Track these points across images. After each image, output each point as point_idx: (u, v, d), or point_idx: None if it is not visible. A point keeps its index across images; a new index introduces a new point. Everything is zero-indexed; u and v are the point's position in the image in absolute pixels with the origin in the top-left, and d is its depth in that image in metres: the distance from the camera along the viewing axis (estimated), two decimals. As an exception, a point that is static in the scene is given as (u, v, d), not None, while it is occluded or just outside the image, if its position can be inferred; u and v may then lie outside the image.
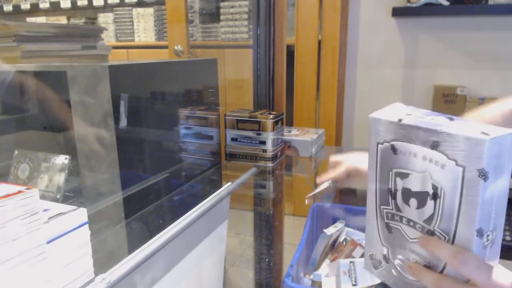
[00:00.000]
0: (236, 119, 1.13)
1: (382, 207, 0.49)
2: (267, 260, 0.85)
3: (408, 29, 2.06)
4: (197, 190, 1.02)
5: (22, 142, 1.06)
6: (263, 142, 1.12)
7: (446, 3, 1.87)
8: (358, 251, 0.77)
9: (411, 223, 0.46)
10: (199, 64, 1.08)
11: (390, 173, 0.47)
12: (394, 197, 0.47)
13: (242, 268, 0.91)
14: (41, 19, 3.06)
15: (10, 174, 0.89)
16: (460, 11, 1.88)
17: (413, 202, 0.44)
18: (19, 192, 0.38)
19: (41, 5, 3.02)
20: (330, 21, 2.06)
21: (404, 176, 0.45)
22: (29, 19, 3.13)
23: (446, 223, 0.41)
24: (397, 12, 1.97)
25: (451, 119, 0.42)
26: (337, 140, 2.23)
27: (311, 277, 0.72)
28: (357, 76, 2.21)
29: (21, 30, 0.88)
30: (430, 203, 0.43)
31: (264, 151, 1.12)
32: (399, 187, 0.46)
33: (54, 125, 1.07)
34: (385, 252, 0.51)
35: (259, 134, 1.11)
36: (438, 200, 0.42)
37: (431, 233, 0.43)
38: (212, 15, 2.41)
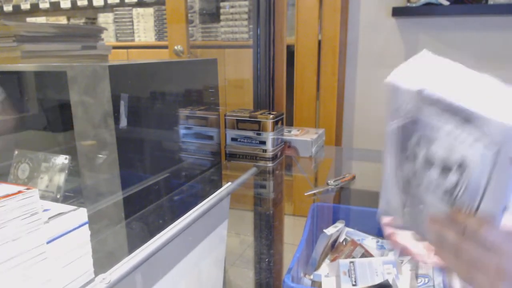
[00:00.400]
0: (236, 119, 1.13)
1: (400, 170, 0.46)
2: (267, 260, 0.85)
3: (408, 29, 2.06)
4: (197, 190, 1.02)
5: (22, 142, 1.06)
6: (263, 142, 1.12)
7: (446, 3, 1.87)
8: (358, 251, 0.77)
9: (431, 189, 0.43)
10: (199, 64, 1.08)
11: (411, 141, 0.43)
12: (414, 162, 0.44)
13: (242, 268, 0.91)
14: (41, 19, 3.06)
15: (10, 174, 0.89)
16: (460, 11, 1.88)
17: (435, 171, 0.42)
18: (19, 192, 0.38)
19: (41, 5, 3.02)
20: (330, 21, 2.06)
21: (426, 146, 0.42)
22: (29, 19, 3.13)
23: (469, 196, 0.39)
24: (397, 12, 1.97)
25: (496, 87, 0.36)
26: (337, 140, 2.23)
27: (311, 277, 0.72)
28: (357, 76, 2.21)
29: (21, 30, 0.88)
30: (453, 174, 0.40)
31: (264, 151, 1.12)
32: (420, 155, 0.43)
33: (54, 125, 1.07)
34: (401, 203, 0.49)
35: (259, 134, 1.11)
36: (463, 174, 0.39)
37: (452, 202, 0.41)
38: (212, 15, 2.41)
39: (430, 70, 0.41)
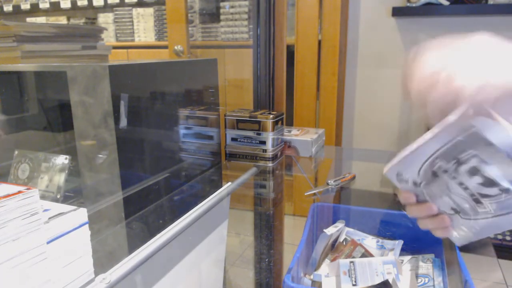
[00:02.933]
0: (236, 119, 1.13)
1: (438, 160, 0.48)
2: (267, 260, 0.85)
3: (408, 29, 2.06)
4: (197, 190, 1.02)
5: (22, 142, 1.06)
6: (263, 142, 1.12)
7: (446, 3, 1.87)
8: (358, 251, 0.77)
9: (462, 185, 0.47)
10: (199, 64, 1.08)
11: (468, 150, 0.45)
12: (458, 163, 0.46)
13: (242, 268, 0.91)
14: (41, 19, 3.06)
15: (10, 174, 0.89)
16: (460, 11, 1.88)
17: (477, 179, 0.45)
18: (19, 192, 0.38)
19: (41, 5, 3.02)
20: (330, 21, 2.06)
21: (483, 162, 0.44)
22: (29, 19, 3.12)
23: (501, 207, 0.44)
24: (397, 12, 1.97)
25: None
26: (337, 140, 2.23)
27: (311, 277, 0.72)
28: (357, 76, 2.21)
29: (21, 30, 0.88)
30: (496, 190, 0.44)
31: (264, 151, 1.12)
32: (470, 163, 0.45)
33: (54, 125, 1.07)
34: (418, 180, 0.51)
35: (259, 134, 1.11)
36: (507, 193, 0.43)
37: (478, 201, 0.46)
38: (212, 15, 2.41)
39: None
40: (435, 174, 0.50)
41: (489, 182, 0.45)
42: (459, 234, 0.51)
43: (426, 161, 0.49)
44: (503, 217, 0.45)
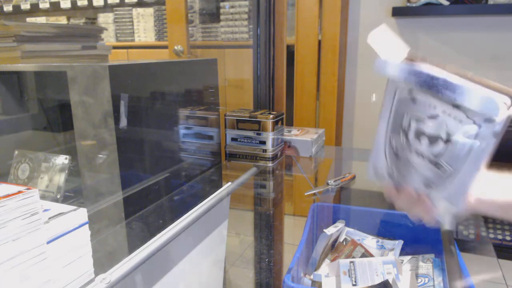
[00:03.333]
0: (236, 119, 1.13)
1: (392, 138, 0.52)
2: (267, 260, 0.85)
3: (408, 29, 2.05)
4: (197, 190, 1.02)
5: (22, 142, 1.06)
6: (263, 142, 1.12)
7: (446, 3, 1.87)
8: (358, 251, 0.77)
9: (419, 154, 0.49)
10: (199, 64, 1.08)
11: (405, 115, 0.49)
12: (405, 133, 0.50)
13: (242, 268, 0.91)
14: (41, 19, 3.06)
15: (10, 174, 0.89)
16: (460, 11, 1.88)
17: (424, 140, 0.48)
18: (19, 192, 0.38)
19: (41, 5, 3.02)
20: (330, 21, 2.06)
21: (419, 120, 0.48)
22: (29, 19, 3.12)
23: (453, 160, 0.46)
24: (397, 12, 1.97)
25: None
26: (337, 140, 2.23)
27: (311, 277, 0.72)
28: (357, 76, 2.21)
29: (21, 30, 0.88)
30: (441, 143, 0.46)
31: (264, 151, 1.12)
32: (413, 127, 0.49)
33: (54, 125, 1.07)
34: (390, 170, 0.55)
35: (259, 134, 1.11)
36: (449, 143, 0.45)
37: (436, 163, 0.48)
38: (212, 15, 2.41)
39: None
40: (396, 155, 0.53)
41: (432, 138, 0.47)
42: (442, 211, 0.52)
43: (385, 144, 0.54)
44: (464, 171, 0.46)
